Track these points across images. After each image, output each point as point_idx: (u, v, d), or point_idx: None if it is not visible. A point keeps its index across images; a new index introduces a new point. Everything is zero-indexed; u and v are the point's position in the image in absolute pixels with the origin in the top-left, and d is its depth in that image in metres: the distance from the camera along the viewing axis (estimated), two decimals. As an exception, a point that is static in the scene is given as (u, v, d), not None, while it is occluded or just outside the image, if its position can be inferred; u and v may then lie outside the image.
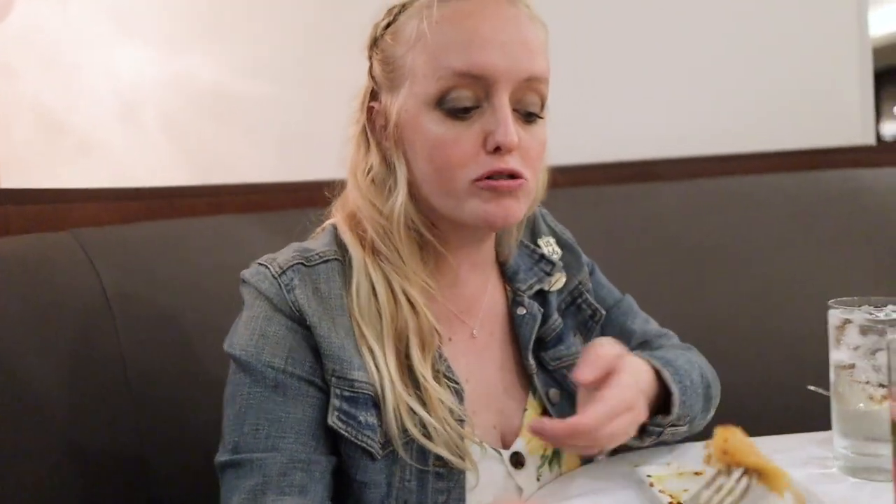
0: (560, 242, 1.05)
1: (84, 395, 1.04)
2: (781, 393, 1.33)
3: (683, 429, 0.94)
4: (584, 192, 1.57)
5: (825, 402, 0.93)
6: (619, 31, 1.84)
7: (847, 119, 1.87)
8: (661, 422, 0.89)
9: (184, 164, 1.89)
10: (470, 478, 0.86)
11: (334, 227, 0.92)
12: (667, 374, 0.89)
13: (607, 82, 1.83)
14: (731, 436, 0.65)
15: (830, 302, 0.91)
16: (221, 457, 0.83)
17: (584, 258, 1.06)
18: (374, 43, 0.91)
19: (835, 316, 0.90)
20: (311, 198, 1.50)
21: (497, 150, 0.83)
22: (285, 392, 0.83)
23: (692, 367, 0.97)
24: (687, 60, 1.85)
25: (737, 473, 0.62)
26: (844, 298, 0.91)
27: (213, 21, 1.86)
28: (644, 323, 1.07)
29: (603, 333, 1.02)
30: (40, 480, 0.97)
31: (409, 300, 0.86)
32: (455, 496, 0.85)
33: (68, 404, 1.02)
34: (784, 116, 1.84)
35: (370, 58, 0.92)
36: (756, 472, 0.64)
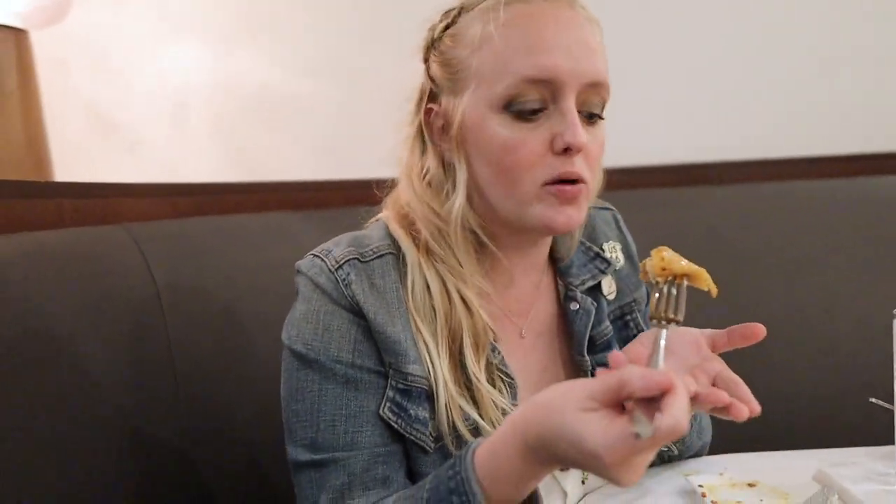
0: (627, 253, 1.03)
1: (133, 385, 1.06)
2: (841, 405, 1.29)
3: (675, 450, 0.95)
4: (636, 194, 1.55)
5: (888, 416, 0.91)
6: (674, 33, 1.81)
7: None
8: None
9: (230, 162, 1.91)
10: None
11: (386, 224, 0.92)
12: None
13: (662, 84, 1.80)
14: (665, 253, 0.74)
15: (895, 311, 0.88)
16: (299, 455, 0.84)
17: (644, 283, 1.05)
18: (432, 45, 0.91)
19: (900, 326, 0.87)
20: (357, 195, 1.50)
21: (566, 151, 0.82)
22: (357, 386, 0.83)
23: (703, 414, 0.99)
24: (744, 63, 1.82)
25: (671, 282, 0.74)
26: (910, 307, 0.88)
27: (260, 23, 1.89)
28: None
29: None
30: (96, 474, 0.98)
31: (463, 300, 0.86)
32: None
33: (120, 395, 1.03)
34: (843, 120, 1.80)
35: (427, 60, 0.92)
36: (686, 276, 0.74)
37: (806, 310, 1.47)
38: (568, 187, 0.83)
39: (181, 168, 1.88)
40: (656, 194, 1.60)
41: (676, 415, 0.57)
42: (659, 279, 0.73)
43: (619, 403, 0.61)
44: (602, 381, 0.62)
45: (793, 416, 1.30)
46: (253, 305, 1.22)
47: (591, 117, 0.86)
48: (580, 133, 0.81)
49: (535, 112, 0.83)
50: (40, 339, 0.97)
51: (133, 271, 1.13)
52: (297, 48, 1.88)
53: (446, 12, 0.91)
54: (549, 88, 0.82)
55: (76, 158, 1.82)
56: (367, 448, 0.82)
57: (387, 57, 1.83)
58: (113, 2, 1.86)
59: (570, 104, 0.82)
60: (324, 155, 1.85)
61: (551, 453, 0.64)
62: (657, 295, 0.72)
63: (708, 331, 0.84)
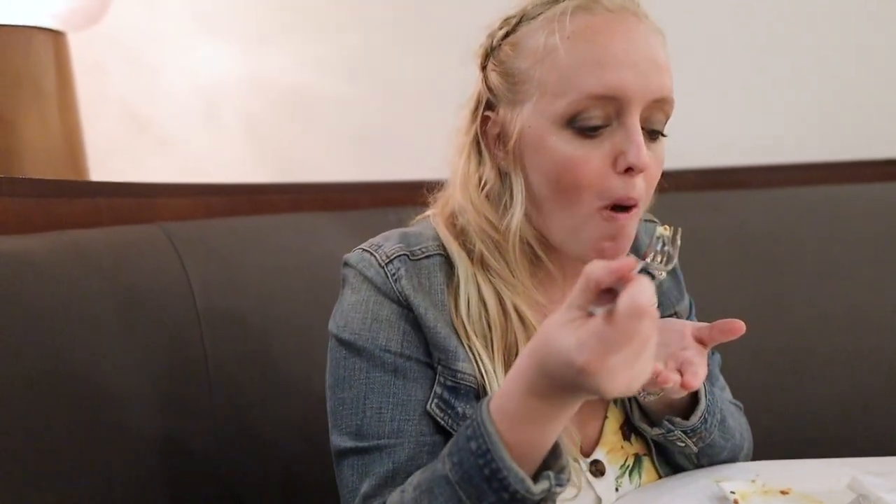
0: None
1: (166, 384, 1.07)
2: (875, 413, 1.27)
3: (693, 448, 0.92)
4: (663, 198, 1.51)
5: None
6: (705, 34, 1.80)
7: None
8: (675, 421, 0.89)
9: (262, 162, 1.93)
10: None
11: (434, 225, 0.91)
12: (703, 389, 0.90)
13: (692, 86, 1.78)
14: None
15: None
16: (343, 442, 0.83)
17: (687, 295, 1.04)
18: (490, 52, 0.89)
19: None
20: (387, 197, 1.52)
21: (627, 170, 0.81)
22: (406, 375, 0.83)
23: (731, 416, 0.97)
24: (776, 64, 1.80)
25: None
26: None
27: (293, 22, 1.90)
28: (720, 390, 1.05)
29: None
30: (126, 474, 0.99)
31: (519, 314, 0.85)
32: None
33: (153, 393, 1.04)
34: (876, 124, 1.77)
35: (484, 67, 0.90)
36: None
37: (836, 316, 1.45)
38: (622, 216, 0.82)
39: (214, 168, 1.90)
40: (684, 198, 1.59)
41: (633, 293, 0.57)
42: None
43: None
44: (576, 286, 0.62)
45: (822, 425, 1.29)
46: (286, 305, 1.24)
47: (653, 134, 0.84)
48: (644, 153, 0.80)
49: (597, 128, 0.81)
50: (76, 337, 0.98)
51: (168, 270, 1.14)
52: (330, 48, 1.89)
53: (506, 19, 0.88)
54: (614, 105, 0.80)
55: (111, 158, 1.85)
56: (414, 437, 0.81)
57: (419, 58, 1.85)
58: (148, 3, 1.89)
59: (634, 122, 0.81)
60: (355, 155, 1.86)
61: (550, 378, 0.63)
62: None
63: (699, 324, 0.86)
